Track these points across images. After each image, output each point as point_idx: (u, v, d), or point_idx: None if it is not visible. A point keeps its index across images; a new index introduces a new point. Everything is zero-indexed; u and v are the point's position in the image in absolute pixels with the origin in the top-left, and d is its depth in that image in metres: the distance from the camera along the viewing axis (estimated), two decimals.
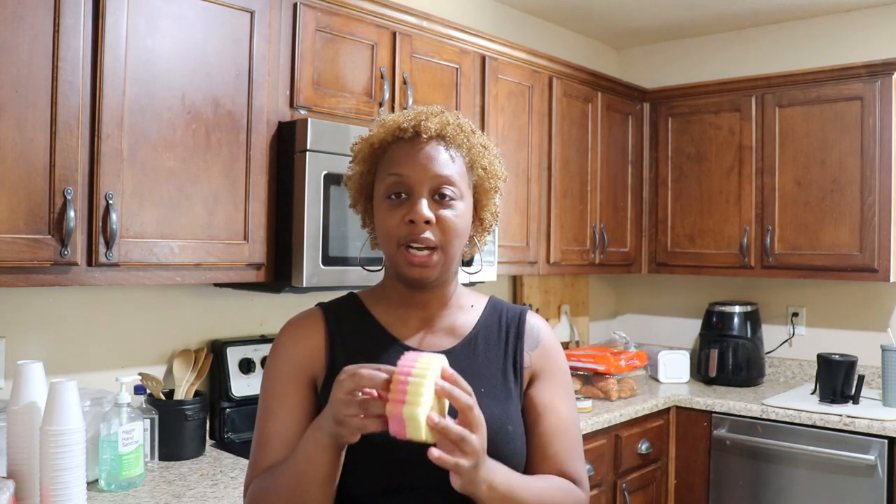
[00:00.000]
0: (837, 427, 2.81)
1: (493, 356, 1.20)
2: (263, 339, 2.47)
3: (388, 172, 1.15)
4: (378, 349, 1.17)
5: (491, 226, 1.25)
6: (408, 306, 1.21)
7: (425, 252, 1.13)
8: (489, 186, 1.22)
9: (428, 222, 1.12)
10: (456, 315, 1.23)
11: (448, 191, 1.14)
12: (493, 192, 1.23)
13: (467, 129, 1.20)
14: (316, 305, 1.25)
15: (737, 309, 3.49)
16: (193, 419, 2.13)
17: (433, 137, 1.15)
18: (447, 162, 1.15)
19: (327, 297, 2.50)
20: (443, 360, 0.97)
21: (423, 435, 0.91)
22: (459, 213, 1.15)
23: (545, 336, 1.26)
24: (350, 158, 1.24)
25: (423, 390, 0.91)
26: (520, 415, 1.19)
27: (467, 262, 1.30)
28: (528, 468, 1.17)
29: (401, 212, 1.13)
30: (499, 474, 1.02)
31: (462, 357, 1.18)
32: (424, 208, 1.12)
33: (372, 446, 1.05)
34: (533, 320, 1.27)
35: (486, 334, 1.22)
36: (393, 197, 1.14)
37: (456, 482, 0.96)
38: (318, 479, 1.02)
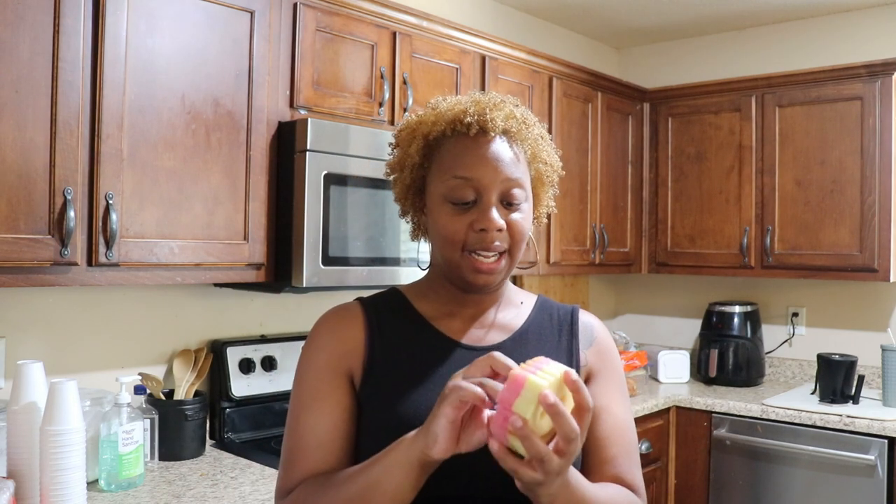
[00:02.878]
0: (837, 427, 2.81)
1: (547, 352, 1.11)
2: (263, 339, 2.47)
3: (454, 175, 1.06)
4: (422, 345, 1.11)
5: (542, 221, 1.19)
6: (457, 303, 1.15)
7: (493, 258, 1.06)
8: (547, 180, 1.16)
9: (500, 230, 1.05)
10: (506, 311, 1.17)
11: (517, 193, 1.07)
12: (550, 185, 1.17)
13: (530, 121, 1.13)
14: (354, 300, 1.18)
15: (737, 309, 3.49)
16: (193, 419, 2.13)
17: (497, 133, 1.08)
18: (514, 162, 1.07)
19: (327, 297, 2.53)
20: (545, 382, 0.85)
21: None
22: (526, 214, 1.09)
23: (599, 334, 1.20)
24: (393, 145, 1.17)
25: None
26: None
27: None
28: (582, 471, 1.11)
29: (467, 218, 1.05)
30: (565, 490, 0.92)
31: (513, 351, 1.11)
32: (497, 216, 1.05)
33: None
34: (586, 318, 1.21)
35: (538, 330, 1.17)
36: (459, 203, 1.06)
37: (519, 484, 0.89)
38: (392, 498, 0.93)
